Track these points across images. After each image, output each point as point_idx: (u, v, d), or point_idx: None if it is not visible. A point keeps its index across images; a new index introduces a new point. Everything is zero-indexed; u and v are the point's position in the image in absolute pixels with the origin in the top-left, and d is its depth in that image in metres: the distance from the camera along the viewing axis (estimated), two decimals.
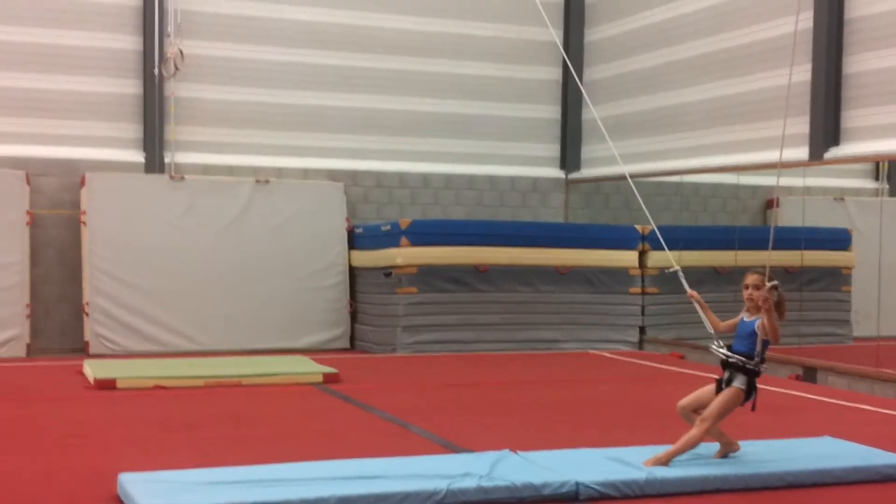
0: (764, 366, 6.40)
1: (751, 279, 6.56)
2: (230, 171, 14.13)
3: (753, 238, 14.93)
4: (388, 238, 13.30)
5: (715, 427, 6.36)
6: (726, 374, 6.45)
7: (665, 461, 6.13)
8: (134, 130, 13.85)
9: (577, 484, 5.69)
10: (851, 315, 15.00)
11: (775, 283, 6.35)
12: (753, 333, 6.37)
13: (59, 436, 7.37)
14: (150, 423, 7.88)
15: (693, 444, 6.24)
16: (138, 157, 13.80)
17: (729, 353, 6.46)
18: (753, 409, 6.42)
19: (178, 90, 13.89)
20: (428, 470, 5.90)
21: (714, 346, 6.67)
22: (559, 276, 13.61)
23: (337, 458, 6.26)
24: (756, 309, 6.39)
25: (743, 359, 6.35)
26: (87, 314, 13.00)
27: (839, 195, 16.76)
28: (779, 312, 6.34)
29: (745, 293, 6.54)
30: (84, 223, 13.09)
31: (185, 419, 8.15)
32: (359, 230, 14.21)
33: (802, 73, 11.84)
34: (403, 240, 13.06)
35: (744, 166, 13.60)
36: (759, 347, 6.34)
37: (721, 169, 14.10)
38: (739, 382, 6.33)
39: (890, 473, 6.23)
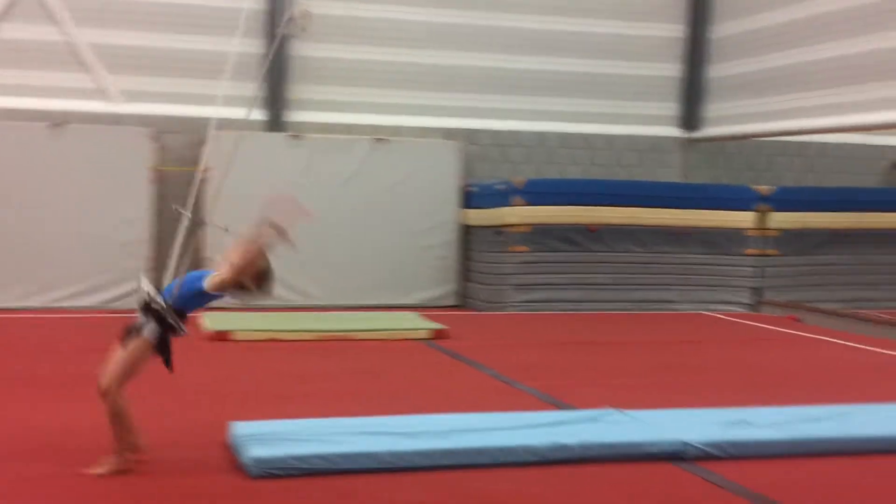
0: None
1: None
2: (348, 129, 14.30)
3: (879, 199, 14.45)
4: (502, 197, 13.31)
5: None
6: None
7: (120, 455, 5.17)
8: (258, 89, 14.11)
9: (684, 443, 5.64)
10: None
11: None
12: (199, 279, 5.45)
13: (174, 385, 7.61)
14: (263, 375, 8.12)
15: (122, 415, 5.23)
16: (260, 115, 14.11)
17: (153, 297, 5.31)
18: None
19: (300, 49, 14.12)
20: (531, 425, 5.93)
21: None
22: (673, 237, 13.42)
23: (443, 412, 6.35)
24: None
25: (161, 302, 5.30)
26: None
27: None
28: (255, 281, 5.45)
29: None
30: (207, 179, 13.42)
31: (297, 372, 8.37)
32: (473, 188, 14.25)
33: None
34: (517, 199, 13.06)
35: (871, 126, 13.13)
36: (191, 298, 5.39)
37: (848, 129, 13.66)
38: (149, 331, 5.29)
39: None
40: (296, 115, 14.25)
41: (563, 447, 5.57)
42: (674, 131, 15.85)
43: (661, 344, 10.43)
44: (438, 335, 10.28)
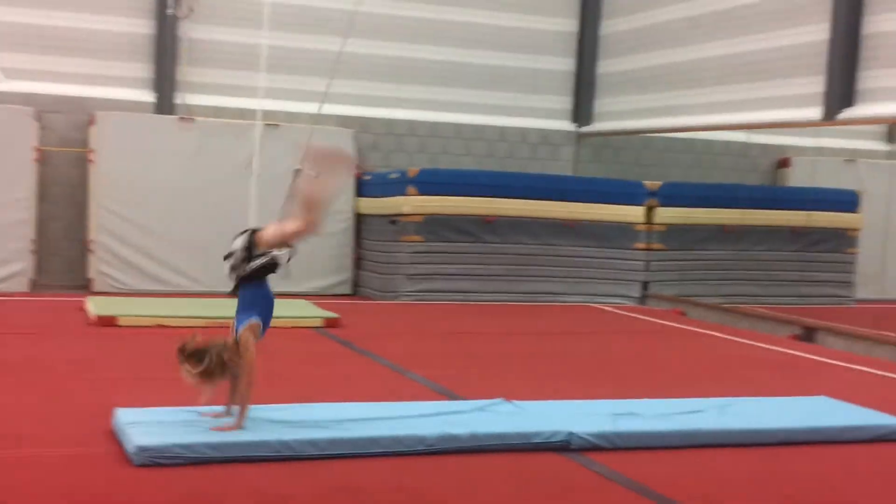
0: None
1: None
2: (240, 114, 14.08)
3: (761, 197, 14.91)
4: (396, 186, 13.30)
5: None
6: None
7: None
8: (145, 70, 13.82)
9: (570, 434, 5.72)
10: (854, 277, 15.00)
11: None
12: None
13: (58, 371, 7.44)
14: (149, 361, 7.94)
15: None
16: (149, 97, 13.78)
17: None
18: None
19: (191, 31, 13.84)
20: (421, 415, 5.94)
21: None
22: (565, 230, 13.60)
23: (332, 401, 6.32)
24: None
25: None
26: (91, 252, 13.06)
27: (851, 157, 16.69)
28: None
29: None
30: (92, 161, 13.10)
31: None
32: (367, 177, 14.19)
33: (821, 32, 11.71)
34: (411, 188, 13.06)
35: (757, 124, 13.52)
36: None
37: (734, 126, 14.04)
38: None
39: (883, 434, 6.26)
40: (187, 98, 13.99)
41: (453, 437, 5.59)
42: (566, 125, 16.05)
43: (550, 335, 10.56)
44: (330, 324, 10.21)
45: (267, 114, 14.14)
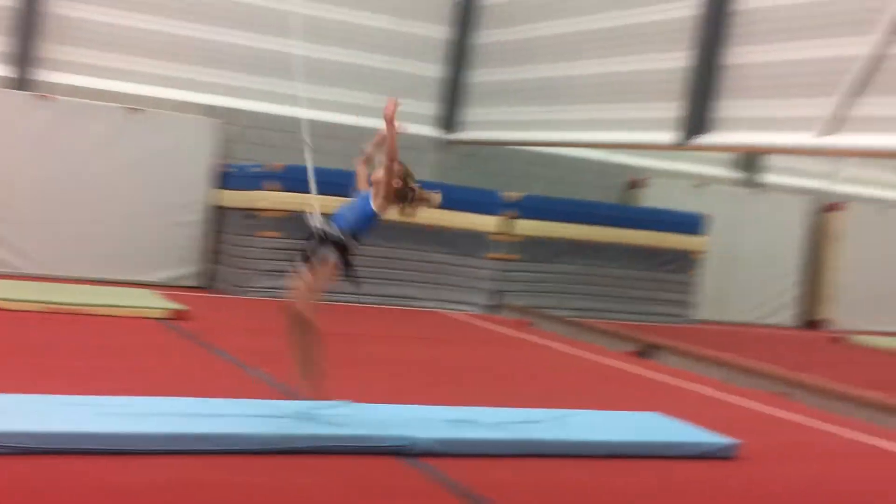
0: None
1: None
2: (102, 95, 13.73)
3: (614, 215, 15.36)
4: (258, 180, 13.17)
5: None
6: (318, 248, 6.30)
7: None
8: (4, 44, 13.35)
9: (412, 439, 5.78)
10: (695, 298, 15.59)
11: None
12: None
13: None
14: None
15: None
16: (4, 72, 13.31)
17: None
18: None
19: (54, 7, 13.42)
20: (262, 414, 5.91)
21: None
22: (421, 235, 13.70)
23: (172, 395, 6.22)
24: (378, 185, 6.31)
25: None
26: None
27: (700, 182, 17.35)
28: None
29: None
30: None
31: (17, 344, 7.96)
32: (229, 169, 14.02)
33: (683, 60, 12.12)
34: (272, 183, 12.95)
35: (616, 144, 13.89)
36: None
37: (595, 144, 14.41)
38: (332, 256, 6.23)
39: (705, 451, 6.51)
40: (46, 76, 13.55)
41: (292, 437, 5.58)
42: (431, 131, 16.18)
43: (400, 339, 10.64)
44: (177, 315, 10.04)
45: (131, 97, 13.87)
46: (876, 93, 9.90)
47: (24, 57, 13.38)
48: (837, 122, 10.17)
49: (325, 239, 6.27)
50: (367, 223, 6.41)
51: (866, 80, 9.95)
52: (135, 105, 13.61)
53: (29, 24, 13.29)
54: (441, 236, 13.80)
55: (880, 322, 16.84)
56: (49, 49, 13.54)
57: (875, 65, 9.90)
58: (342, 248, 6.26)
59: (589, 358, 10.66)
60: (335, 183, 13.33)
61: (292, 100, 15.05)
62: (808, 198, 17.77)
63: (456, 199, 14.02)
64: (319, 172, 13.93)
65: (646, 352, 11.51)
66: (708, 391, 9.29)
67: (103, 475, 4.83)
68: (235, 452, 5.39)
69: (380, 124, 6.43)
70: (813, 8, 10.79)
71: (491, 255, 14.15)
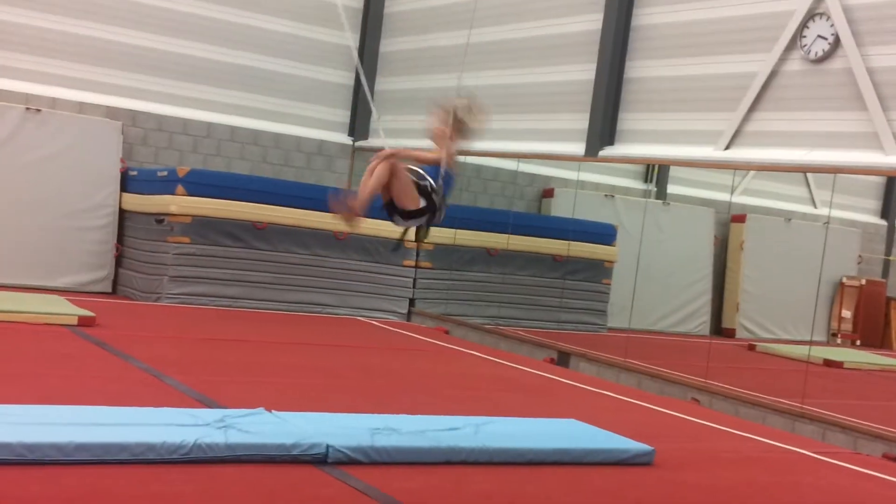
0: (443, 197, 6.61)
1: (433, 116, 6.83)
2: None
3: (526, 224, 15.45)
4: (164, 184, 12.90)
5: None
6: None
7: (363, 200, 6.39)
8: None
9: (328, 447, 5.70)
10: (608, 306, 15.77)
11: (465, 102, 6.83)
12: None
13: None
14: None
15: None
16: None
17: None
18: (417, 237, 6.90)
19: None
20: (176, 422, 5.77)
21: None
22: (336, 242, 13.60)
23: (82, 404, 6.03)
24: (439, 140, 6.70)
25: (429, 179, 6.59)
26: None
27: (610, 192, 17.56)
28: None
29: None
30: None
31: None
32: (133, 173, 13.72)
33: (588, 73, 12.29)
34: (180, 188, 12.71)
35: (526, 154, 14.00)
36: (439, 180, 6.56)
37: (505, 154, 14.46)
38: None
39: (624, 457, 6.57)
40: None
41: (207, 446, 5.45)
42: (343, 137, 16.10)
43: (315, 347, 10.52)
44: (84, 322, 9.74)
45: (28, 97, 13.48)
46: (772, 108, 10.20)
47: None
48: (736, 136, 10.46)
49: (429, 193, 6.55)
50: (448, 182, 6.69)
51: (762, 95, 10.26)
52: (33, 106, 13.22)
53: None
54: (355, 243, 13.70)
55: (785, 330, 17.25)
56: None
57: (770, 81, 10.20)
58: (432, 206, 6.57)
59: (506, 365, 10.68)
60: (253, 189, 13.26)
61: (194, 102, 14.85)
62: (714, 209, 18.13)
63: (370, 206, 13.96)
64: (237, 178, 13.79)
65: (561, 359, 11.60)
66: (622, 398, 9.38)
67: (7, 486, 4.63)
68: (149, 462, 5.25)
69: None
70: (709, 25, 11.07)
71: (407, 262, 14.10)
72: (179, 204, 12.62)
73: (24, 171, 12.98)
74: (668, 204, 17.98)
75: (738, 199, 18.13)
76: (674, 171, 18.44)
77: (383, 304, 14.01)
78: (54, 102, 13.62)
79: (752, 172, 17.07)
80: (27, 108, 13.13)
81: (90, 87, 14.07)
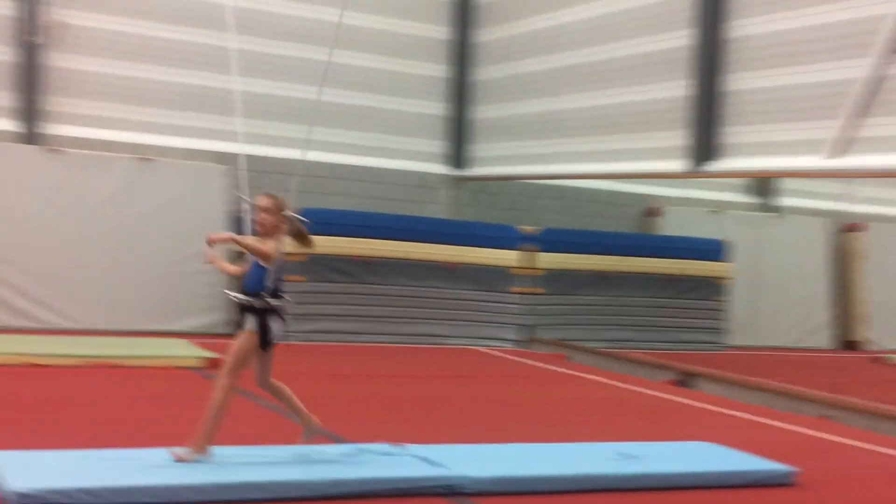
0: (278, 300, 5.95)
1: (262, 201, 6.07)
2: (109, 146, 13.71)
3: (634, 244, 15.26)
4: None
5: (285, 399, 6.16)
6: (242, 318, 5.96)
7: (199, 445, 5.63)
8: (7, 99, 13.35)
9: (460, 478, 5.65)
10: (727, 324, 15.44)
11: (290, 213, 6.12)
12: (259, 266, 5.92)
13: None
14: (23, 401, 7.57)
15: (219, 408, 5.78)
16: (12, 127, 13.30)
17: (238, 295, 5.95)
18: (266, 348, 6.05)
19: (58, 60, 13.42)
20: (308, 460, 5.83)
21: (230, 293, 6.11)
22: (444, 272, 13.62)
23: (215, 444, 6.09)
24: (266, 234, 5.97)
25: (249, 298, 5.89)
26: None
27: (716, 208, 17.28)
28: (302, 241, 6.28)
29: (257, 217, 6.03)
30: None
31: (60, 398, 7.86)
32: (244, 214, 13.95)
33: (680, 89, 12.10)
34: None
35: (625, 174, 13.84)
36: (267, 280, 5.90)
37: (603, 175, 14.36)
38: (250, 324, 5.89)
39: (760, 478, 6.37)
40: (54, 129, 13.55)
41: (339, 482, 5.47)
42: (441, 168, 16.15)
43: (435, 378, 10.51)
44: (210, 364, 9.91)
45: (139, 147, 13.84)
46: (882, 113, 9.85)
47: (30, 111, 13.38)
48: (845, 144, 10.11)
49: (247, 309, 5.92)
50: (275, 274, 6.00)
51: (870, 101, 9.91)
52: (143, 155, 13.57)
53: (32, 78, 13.29)
54: (464, 272, 13.71)
55: None
56: (54, 102, 13.53)
57: (876, 86, 9.86)
58: (261, 312, 5.90)
59: (628, 389, 10.53)
60: (361, 225, 13.36)
61: (298, 143, 15.00)
62: (826, 219, 17.68)
63: (476, 235, 14.01)
64: (345, 215, 13.87)
65: (684, 380, 11.36)
66: (751, 417, 9.14)
67: None
68: (286, 499, 5.27)
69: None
70: (807, 33, 10.79)
71: (514, 289, 14.03)
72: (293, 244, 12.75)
73: (138, 218, 13.31)
74: (778, 216, 17.60)
75: (855, 207, 17.65)
76: (781, 183, 18.08)
77: (497, 333, 13.97)
78: (162, 151, 13.96)
79: (865, 180, 16.59)
80: (139, 158, 13.48)
81: (198, 133, 14.41)
